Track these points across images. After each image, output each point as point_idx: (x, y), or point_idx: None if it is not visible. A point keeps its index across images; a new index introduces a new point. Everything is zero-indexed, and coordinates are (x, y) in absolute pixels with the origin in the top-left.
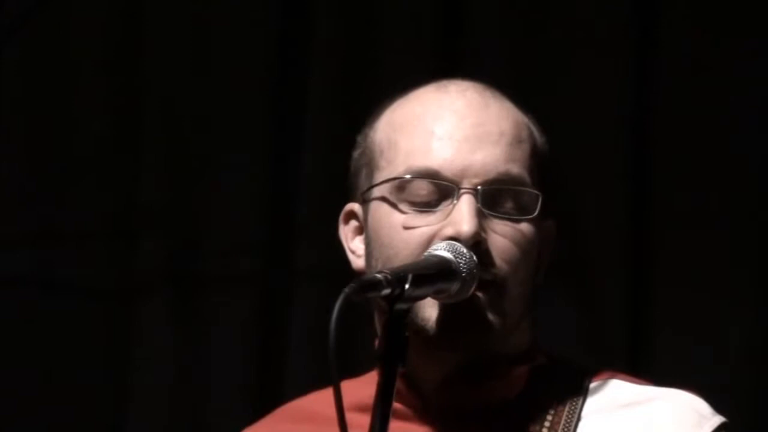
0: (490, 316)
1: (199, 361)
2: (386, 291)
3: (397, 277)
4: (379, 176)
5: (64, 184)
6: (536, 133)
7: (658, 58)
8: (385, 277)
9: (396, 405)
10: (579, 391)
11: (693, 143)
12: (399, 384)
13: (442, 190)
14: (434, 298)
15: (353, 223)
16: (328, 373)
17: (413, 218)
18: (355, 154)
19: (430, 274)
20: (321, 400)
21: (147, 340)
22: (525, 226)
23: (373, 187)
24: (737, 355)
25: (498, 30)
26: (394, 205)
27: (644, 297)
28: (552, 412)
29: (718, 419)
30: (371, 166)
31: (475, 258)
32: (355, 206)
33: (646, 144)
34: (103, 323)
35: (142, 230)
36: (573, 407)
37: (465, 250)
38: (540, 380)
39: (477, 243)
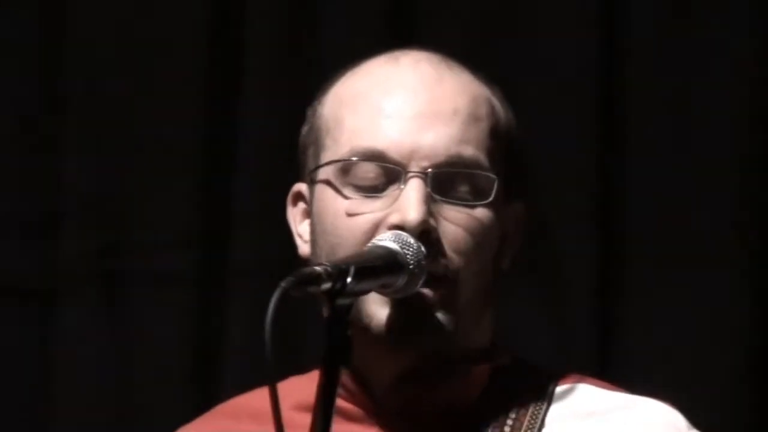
0: (441, 313)
1: (130, 362)
2: (327, 285)
3: (339, 270)
4: (325, 156)
5: None
6: (499, 109)
7: (629, 39)
8: (326, 270)
9: (346, 405)
10: (543, 396)
11: (668, 129)
12: (349, 383)
13: (388, 173)
14: (379, 292)
15: (301, 205)
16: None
17: (358, 204)
18: (304, 130)
19: (375, 266)
20: (264, 396)
21: (72, 342)
22: (481, 212)
23: (318, 168)
24: (714, 354)
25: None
26: (338, 190)
27: (615, 293)
28: (513, 416)
29: None
30: (318, 144)
31: (423, 249)
32: (302, 187)
33: (618, 129)
34: (24, 324)
35: (65, 223)
36: (536, 412)
37: (412, 241)
38: (502, 382)
39: (425, 232)
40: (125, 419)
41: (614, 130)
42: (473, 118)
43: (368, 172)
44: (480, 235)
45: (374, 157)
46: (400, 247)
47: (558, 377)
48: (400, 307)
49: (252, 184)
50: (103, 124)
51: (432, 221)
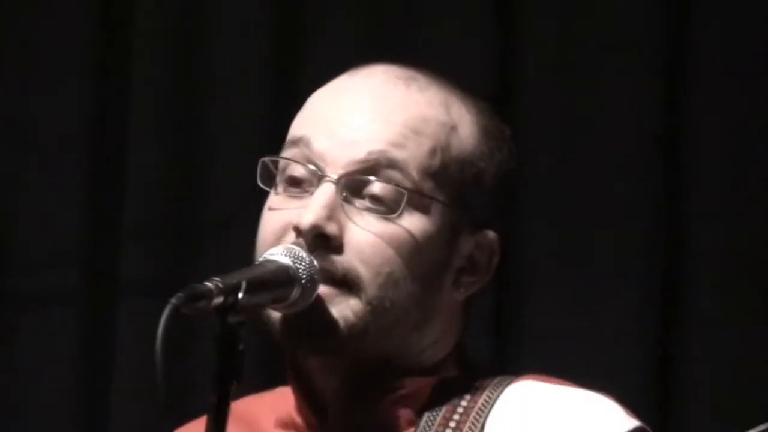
0: (336, 317)
1: (12, 389)
2: (218, 300)
3: (230, 285)
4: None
5: None
6: (464, 134)
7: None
8: (217, 286)
9: (297, 420)
10: (487, 403)
11: (561, 135)
12: (298, 398)
13: (311, 174)
14: (273, 308)
15: None
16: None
17: (281, 200)
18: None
19: (267, 280)
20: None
21: None
22: (407, 223)
23: (275, 166)
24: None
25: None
26: (276, 184)
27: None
28: (452, 425)
29: (632, 423)
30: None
31: (315, 263)
32: None
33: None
34: None
35: None
36: (476, 419)
37: (304, 255)
38: (445, 394)
39: (324, 237)
40: None
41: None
42: (412, 131)
43: (294, 171)
44: (396, 244)
45: (302, 156)
46: (292, 261)
47: (509, 382)
48: (296, 315)
49: (141, 199)
50: None
51: (332, 227)
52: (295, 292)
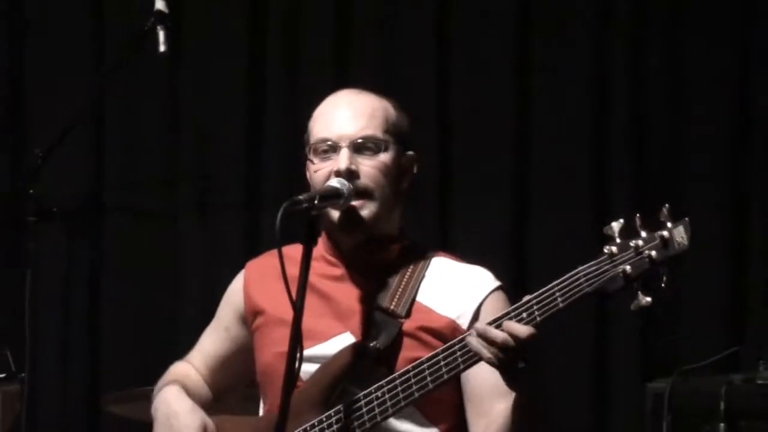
0: (363, 213)
1: (217, 258)
2: (305, 205)
3: (311, 197)
4: (309, 143)
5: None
6: (391, 111)
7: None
8: (305, 197)
9: (328, 257)
10: (425, 263)
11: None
12: (331, 246)
13: (332, 147)
14: (331, 207)
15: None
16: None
17: (319, 164)
18: (306, 135)
19: (328, 194)
20: (298, 248)
21: (183, 251)
22: (383, 157)
23: (307, 150)
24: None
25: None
26: (311, 160)
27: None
28: (410, 270)
29: (496, 283)
30: (307, 139)
31: (351, 186)
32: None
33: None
34: (155, 238)
35: (177, 176)
36: (421, 270)
37: (346, 182)
38: (405, 254)
39: (351, 172)
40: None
41: None
42: (371, 116)
43: (323, 147)
44: (382, 170)
45: (325, 140)
46: (340, 185)
47: (434, 252)
48: (344, 213)
49: (277, 154)
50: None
51: (353, 166)
52: (342, 201)
